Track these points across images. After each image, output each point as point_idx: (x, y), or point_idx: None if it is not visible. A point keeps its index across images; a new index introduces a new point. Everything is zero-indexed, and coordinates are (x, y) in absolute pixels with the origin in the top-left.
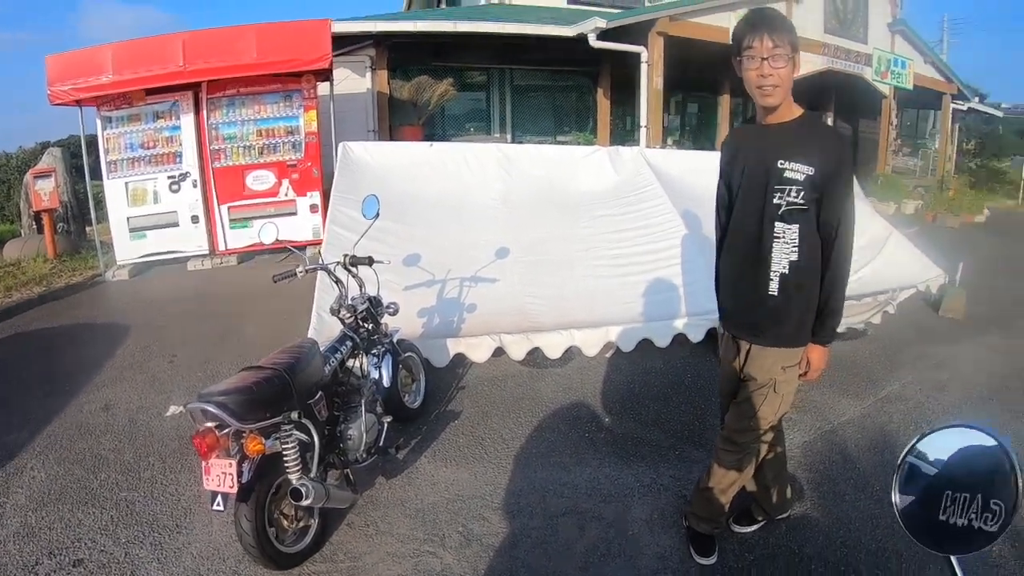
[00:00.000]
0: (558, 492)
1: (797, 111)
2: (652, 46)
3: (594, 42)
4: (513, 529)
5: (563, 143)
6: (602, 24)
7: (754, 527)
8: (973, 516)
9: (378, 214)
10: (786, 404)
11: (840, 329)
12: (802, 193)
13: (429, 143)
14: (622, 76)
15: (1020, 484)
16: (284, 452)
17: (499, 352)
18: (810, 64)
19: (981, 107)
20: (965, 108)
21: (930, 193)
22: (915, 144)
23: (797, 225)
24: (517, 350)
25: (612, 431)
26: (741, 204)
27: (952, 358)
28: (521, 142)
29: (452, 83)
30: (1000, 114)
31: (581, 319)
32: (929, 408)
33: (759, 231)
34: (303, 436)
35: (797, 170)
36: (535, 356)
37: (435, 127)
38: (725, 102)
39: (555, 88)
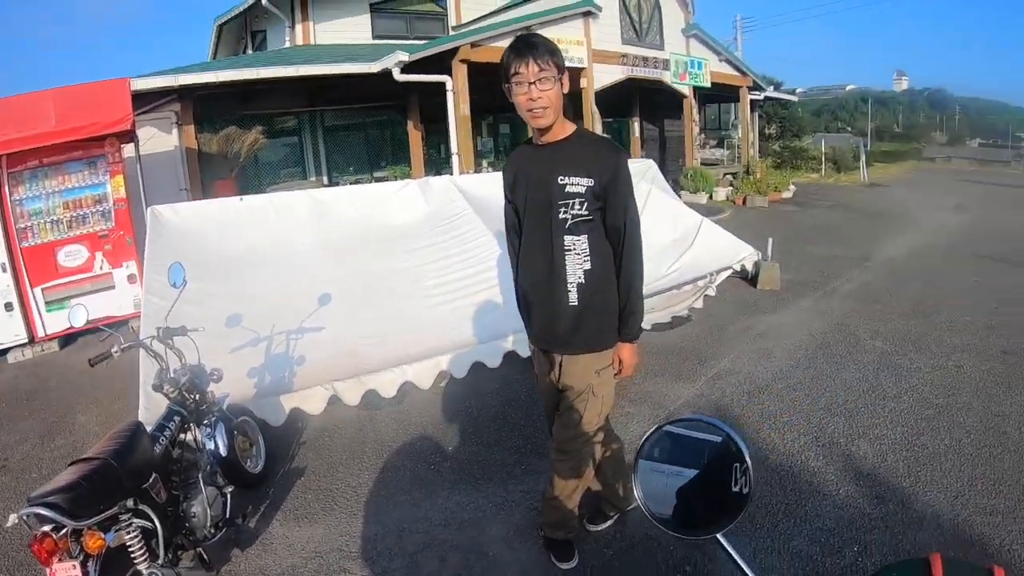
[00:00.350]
0: (413, 529)
1: (570, 128)
2: (456, 74)
3: (399, 76)
4: (375, 575)
5: (380, 179)
6: (405, 57)
7: (608, 523)
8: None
9: (186, 280)
10: (607, 405)
11: (665, 319)
12: (585, 205)
13: (240, 198)
14: (431, 106)
15: (748, 464)
16: (128, 543)
17: (335, 400)
18: (611, 75)
19: (776, 95)
20: (762, 97)
21: (738, 179)
22: (720, 136)
23: (585, 236)
24: (351, 395)
25: (457, 458)
26: (529, 223)
27: (774, 326)
28: (338, 183)
29: (262, 131)
30: (795, 99)
31: (411, 353)
32: (758, 376)
33: (550, 246)
34: (144, 523)
35: (577, 183)
36: (370, 398)
37: (249, 178)
38: None
39: (367, 125)
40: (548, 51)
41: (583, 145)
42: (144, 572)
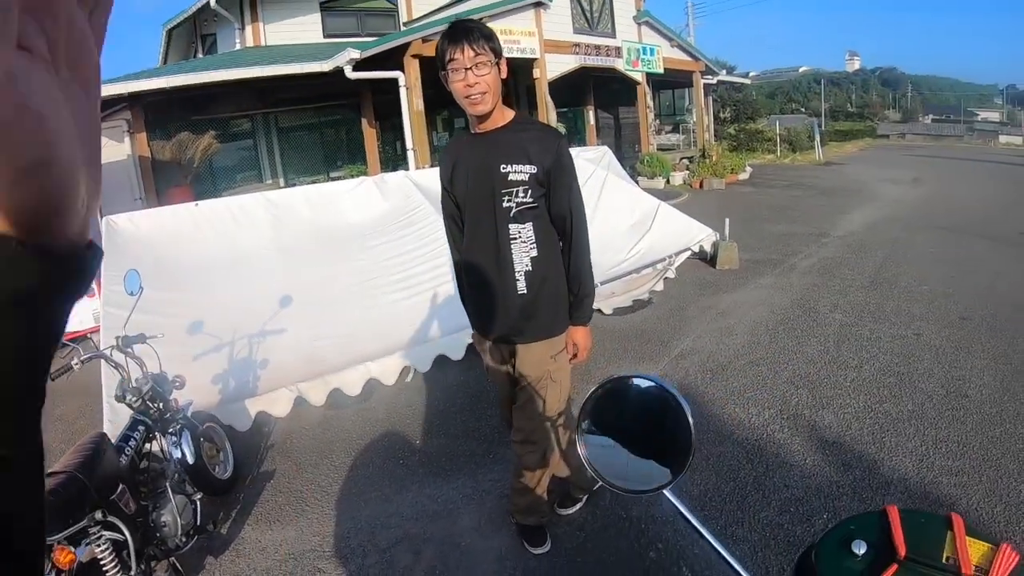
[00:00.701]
0: (386, 524)
1: (509, 114)
2: (408, 69)
3: (351, 74)
4: (350, 572)
5: (336, 179)
6: (356, 55)
7: (577, 506)
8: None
9: (142, 287)
10: (566, 389)
11: (626, 303)
12: (529, 192)
13: (195, 203)
14: (385, 102)
15: (690, 418)
16: (99, 556)
17: (300, 401)
18: (564, 64)
19: (730, 79)
20: (715, 82)
21: (695, 163)
22: (675, 121)
23: (531, 223)
24: (316, 396)
25: (425, 451)
26: (472, 214)
27: (734, 304)
28: (294, 184)
29: (215, 135)
30: (749, 82)
31: (374, 350)
32: (720, 353)
33: (495, 236)
34: (115, 535)
35: (520, 171)
36: (336, 397)
37: (205, 183)
38: None
39: (321, 124)
40: (483, 36)
41: (524, 131)
42: None
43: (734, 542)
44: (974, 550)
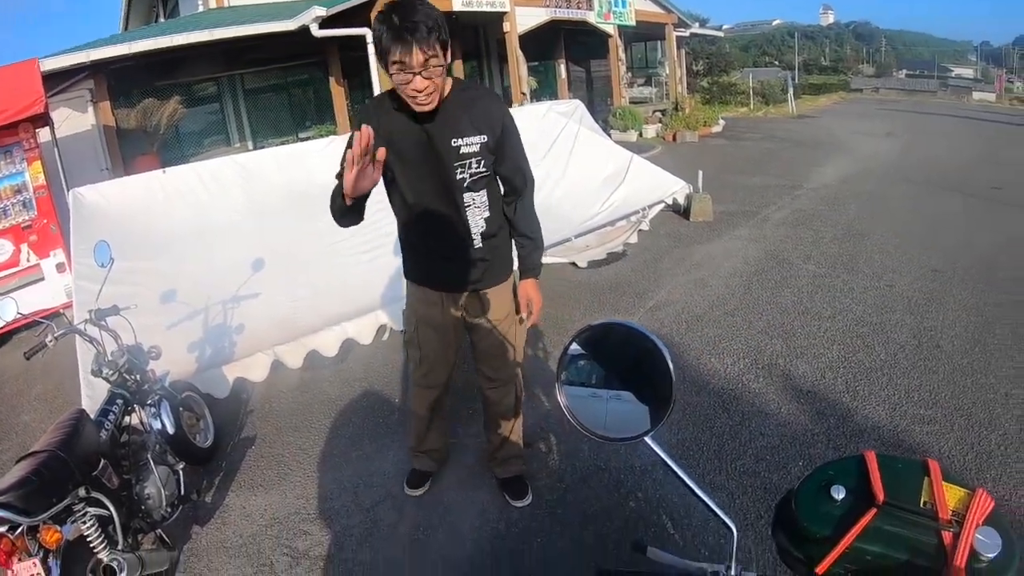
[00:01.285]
0: (368, 483)
1: (449, 83)
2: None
3: (317, 32)
4: (335, 533)
5: (306, 139)
6: (322, 12)
7: (530, 497)
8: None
9: (112, 259)
10: (524, 333)
11: (600, 256)
12: (482, 162)
13: (163, 170)
14: (353, 60)
15: (670, 365)
16: (85, 533)
17: (278, 365)
18: (535, 18)
19: (702, 31)
20: (688, 34)
21: (668, 116)
22: (648, 74)
23: (484, 190)
24: (293, 358)
25: (404, 409)
26: (419, 187)
27: (708, 256)
28: (263, 146)
29: (180, 101)
30: (722, 35)
31: (349, 310)
32: (695, 304)
33: (451, 207)
34: (100, 511)
35: (471, 143)
36: (313, 359)
37: (172, 150)
38: (458, 67)
39: (288, 85)
40: (431, 30)
41: (468, 101)
42: (105, 560)
43: (712, 490)
44: (951, 495)
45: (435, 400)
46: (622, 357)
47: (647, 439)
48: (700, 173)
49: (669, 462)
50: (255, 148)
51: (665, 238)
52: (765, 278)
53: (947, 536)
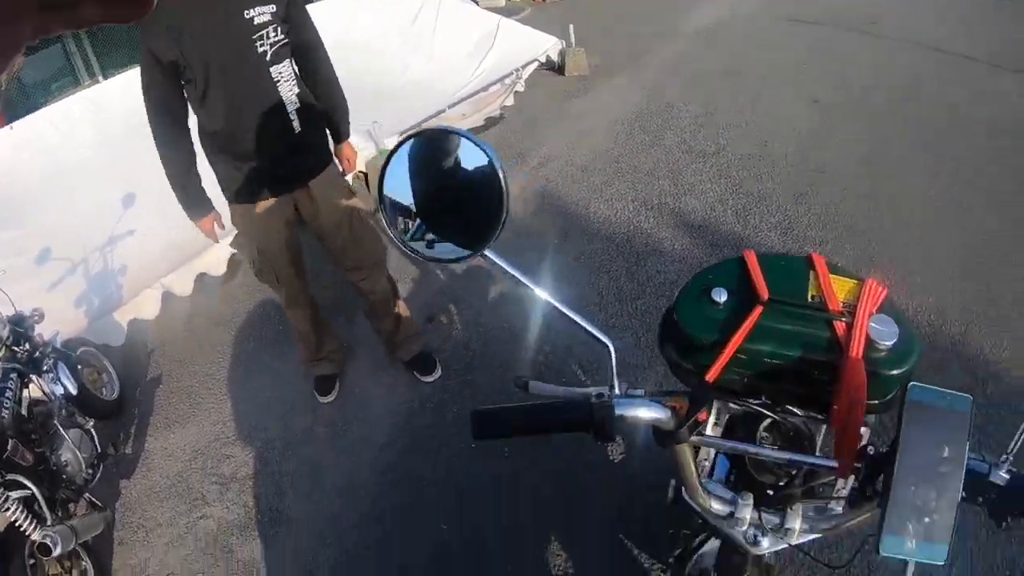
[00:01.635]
0: (279, 396)
1: None
2: None
3: None
4: (257, 450)
5: None
6: None
7: (439, 370)
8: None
9: None
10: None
11: (479, 123)
12: (278, 29)
13: (9, 126)
14: None
15: (501, 174)
16: (12, 519)
17: (168, 297)
18: None
19: None
20: None
21: None
22: None
23: (288, 60)
24: (182, 286)
25: None
26: (219, 75)
27: (588, 109)
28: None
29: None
30: None
31: (230, 223)
32: (579, 156)
33: (260, 84)
34: (21, 492)
35: (263, 12)
36: (203, 282)
37: (19, 105)
38: None
39: None
40: None
41: None
42: (39, 539)
43: (617, 332)
44: (839, 287)
45: (311, 314)
46: (452, 170)
47: (487, 252)
48: (571, 27)
49: (512, 271)
50: (105, 79)
51: (542, 96)
52: (647, 123)
53: (840, 327)
